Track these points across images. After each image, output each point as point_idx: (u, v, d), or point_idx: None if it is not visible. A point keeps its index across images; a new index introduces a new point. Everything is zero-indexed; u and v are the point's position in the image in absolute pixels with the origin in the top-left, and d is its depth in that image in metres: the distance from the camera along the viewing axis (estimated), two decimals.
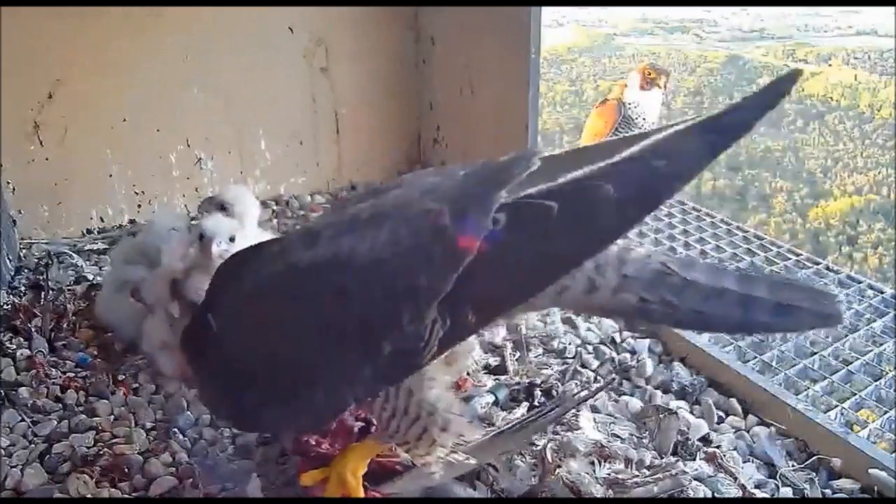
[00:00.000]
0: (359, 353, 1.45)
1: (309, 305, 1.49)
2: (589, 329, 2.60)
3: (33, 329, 2.51)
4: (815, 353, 2.52)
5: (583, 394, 2.13)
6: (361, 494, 1.75)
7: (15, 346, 2.44)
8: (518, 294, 1.50)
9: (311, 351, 1.48)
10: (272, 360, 1.51)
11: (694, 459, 1.98)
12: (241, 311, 1.60)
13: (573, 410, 2.08)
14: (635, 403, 2.20)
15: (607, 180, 1.40)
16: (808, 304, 1.51)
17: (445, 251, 1.41)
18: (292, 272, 1.54)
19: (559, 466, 1.88)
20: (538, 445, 1.97)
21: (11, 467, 1.92)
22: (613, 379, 2.30)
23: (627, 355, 2.45)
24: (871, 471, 1.87)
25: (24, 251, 3.16)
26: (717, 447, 2.03)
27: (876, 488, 1.86)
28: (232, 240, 2.12)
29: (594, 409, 2.15)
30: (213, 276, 1.76)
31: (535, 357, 2.44)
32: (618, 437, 2.05)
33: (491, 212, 1.43)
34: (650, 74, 4.04)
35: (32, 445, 2.02)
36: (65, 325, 2.56)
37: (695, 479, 1.88)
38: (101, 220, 3.45)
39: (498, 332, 2.42)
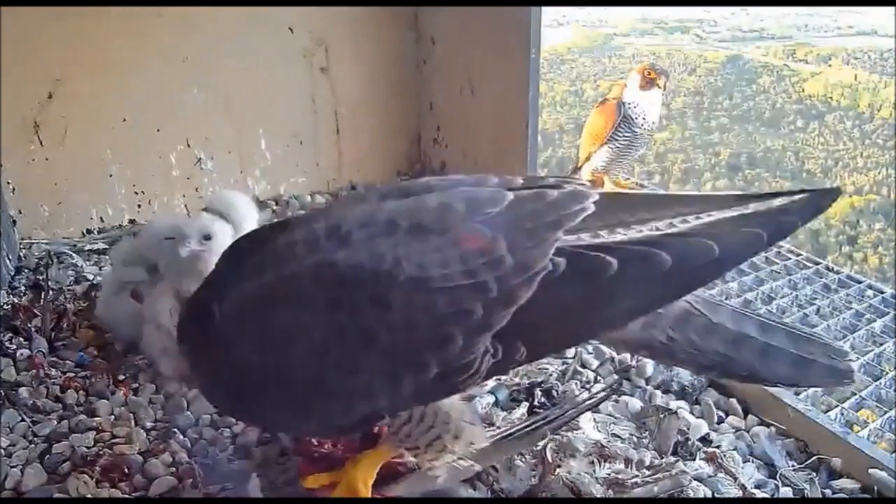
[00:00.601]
0: (400, 371, 1.41)
1: (345, 311, 1.41)
2: None
3: (33, 329, 2.51)
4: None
5: (589, 402, 2.12)
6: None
7: (15, 346, 2.44)
8: (569, 339, 1.61)
9: (345, 359, 1.42)
10: (299, 362, 1.45)
11: (694, 459, 1.98)
12: (262, 303, 1.51)
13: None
14: (635, 403, 2.20)
15: (665, 249, 1.43)
16: (824, 360, 1.55)
17: (503, 286, 1.40)
18: (324, 270, 1.45)
19: (559, 466, 1.88)
20: (538, 445, 1.97)
21: (11, 467, 1.91)
22: (619, 385, 2.29)
23: (627, 355, 2.45)
24: (871, 471, 1.87)
25: (24, 251, 3.16)
26: (717, 447, 2.03)
27: (876, 488, 1.85)
28: (208, 238, 2.11)
29: (594, 410, 2.15)
30: (218, 260, 1.70)
31: None
32: (618, 437, 2.05)
33: (549, 254, 1.43)
34: (650, 75, 4.04)
35: (32, 445, 2.01)
36: (65, 325, 2.56)
37: (695, 479, 1.87)
38: (101, 220, 3.44)
39: None
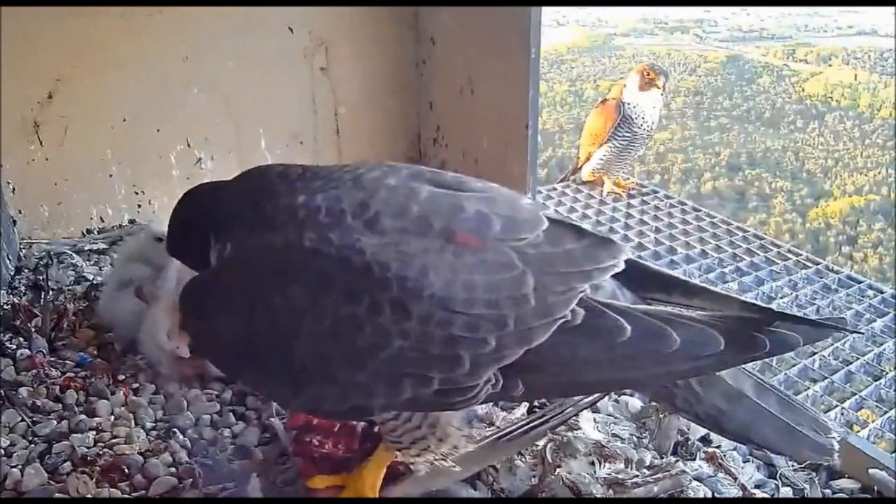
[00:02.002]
0: (403, 378, 1.41)
1: (363, 305, 1.39)
2: None
3: (33, 329, 2.50)
4: (815, 353, 2.53)
5: (588, 401, 2.13)
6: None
7: (15, 346, 2.43)
8: (567, 389, 1.62)
9: (352, 352, 1.41)
10: (305, 339, 1.42)
11: (694, 459, 1.98)
12: (275, 267, 1.47)
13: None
14: (635, 403, 2.20)
15: (676, 329, 1.45)
16: (809, 433, 1.57)
17: (520, 325, 1.41)
18: (350, 256, 1.41)
19: (559, 466, 1.88)
20: (538, 445, 1.97)
21: (11, 467, 1.91)
22: None
23: None
24: (871, 471, 1.87)
25: (24, 251, 3.15)
26: (717, 447, 2.03)
27: (876, 488, 1.86)
28: None
29: (594, 409, 2.15)
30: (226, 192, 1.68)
31: None
32: (618, 437, 2.05)
33: (572, 305, 1.44)
34: (649, 75, 4.06)
35: (32, 445, 2.01)
36: (65, 325, 2.55)
37: (695, 479, 1.88)
38: (101, 220, 3.44)
39: None
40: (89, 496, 1.81)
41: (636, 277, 1.62)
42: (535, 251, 1.47)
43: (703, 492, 1.85)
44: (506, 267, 1.43)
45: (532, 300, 1.42)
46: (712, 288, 1.66)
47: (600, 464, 1.90)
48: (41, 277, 2.88)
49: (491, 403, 2.14)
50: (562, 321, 1.43)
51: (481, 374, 1.42)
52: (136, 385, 2.27)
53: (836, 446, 1.58)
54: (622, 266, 1.54)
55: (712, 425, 1.66)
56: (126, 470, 1.90)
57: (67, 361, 2.38)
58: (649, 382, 1.61)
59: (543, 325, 1.42)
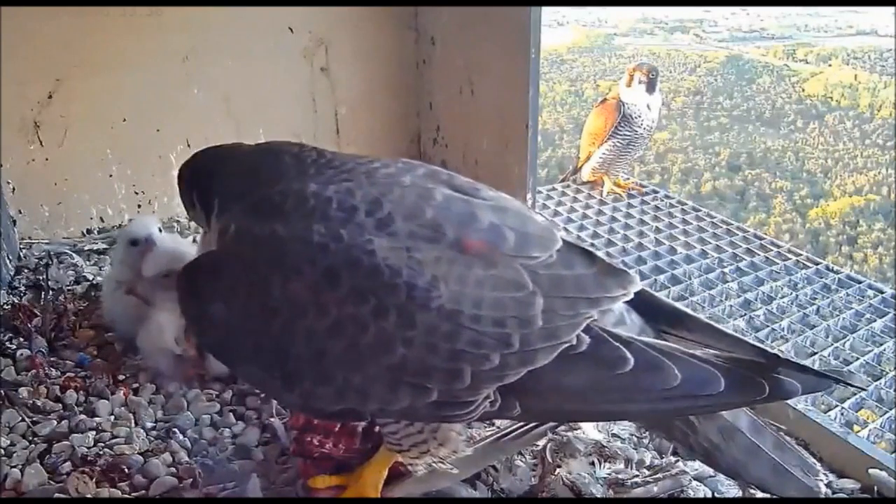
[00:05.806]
0: (401, 386, 1.40)
1: (368, 308, 1.37)
2: None
3: (33, 329, 2.50)
4: (815, 354, 2.53)
5: None
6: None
7: (15, 346, 2.43)
8: (563, 416, 1.61)
9: (352, 354, 1.40)
10: (304, 335, 1.40)
11: (694, 459, 1.98)
12: (280, 258, 1.44)
13: None
14: None
15: (678, 366, 1.44)
16: (798, 474, 1.57)
17: (525, 346, 1.40)
18: (359, 257, 1.39)
19: (559, 466, 1.88)
20: (538, 445, 1.97)
21: (11, 467, 1.91)
22: None
23: None
24: (871, 471, 1.87)
25: (24, 251, 3.15)
26: None
27: (876, 488, 1.86)
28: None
29: None
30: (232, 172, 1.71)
31: None
32: (618, 437, 2.05)
33: (579, 330, 1.44)
34: (632, 72, 4.13)
35: (32, 445, 2.01)
36: (65, 325, 2.55)
37: (695, 479, 1.88)
38: (101, 220, 3.44)
39: None
40: (89, 496, 1.81)
41: (644, 308, 1.61)
42: (547, 272, 1.46)
43: (703, 492, 1.85)
44: (516, 286, 1.42)
45: (539, 322, 1.41)
46: (719, 326, 1.65)
47: (600, 464, 1.90)
48: (41, 277, 2.89)
49: None
50: (566, 346, 1.43)
51: (481, 391, 1.42)
52: (136, 385, 2.27)
53: (823, 489, 1.59)
54: (631, 296, 1.54)
55: (704, 457, 1.64)
56: (126, 470, 1.90)
57: (67, 361, 2.38)
58: (647, 415, 1.60)
59: (547, 348, 1.42)
